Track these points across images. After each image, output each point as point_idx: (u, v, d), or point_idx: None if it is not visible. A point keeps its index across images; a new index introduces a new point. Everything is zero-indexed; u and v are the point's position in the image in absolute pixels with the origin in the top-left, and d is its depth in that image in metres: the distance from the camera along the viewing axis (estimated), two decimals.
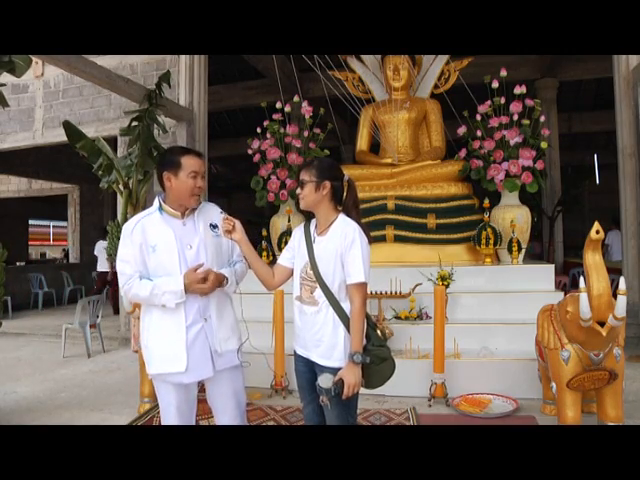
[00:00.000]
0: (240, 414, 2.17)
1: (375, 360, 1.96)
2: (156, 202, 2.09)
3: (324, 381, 1.91)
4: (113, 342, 6.34)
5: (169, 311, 1.98)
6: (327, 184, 1.99)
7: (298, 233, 2.13)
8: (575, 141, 12.86)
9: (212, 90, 7.79)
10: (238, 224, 2.01)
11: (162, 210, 2.05)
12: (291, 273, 2.13)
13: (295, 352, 2.13)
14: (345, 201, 2.05)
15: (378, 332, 2.06)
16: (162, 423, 2.10)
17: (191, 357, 1.97)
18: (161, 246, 1.99)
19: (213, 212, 2.13)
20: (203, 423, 3.35)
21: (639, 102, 5.19)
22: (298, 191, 2.03)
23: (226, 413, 2.13)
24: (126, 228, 2.02)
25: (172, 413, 2.05)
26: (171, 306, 1.95)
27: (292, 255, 2.12)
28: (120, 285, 2.02)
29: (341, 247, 1.93)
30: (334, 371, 1.92)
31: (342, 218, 2.01)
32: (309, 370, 2.06)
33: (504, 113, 5.11)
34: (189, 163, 2.00)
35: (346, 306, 1.96)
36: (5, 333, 6.85)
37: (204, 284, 1.94)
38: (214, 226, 2.09)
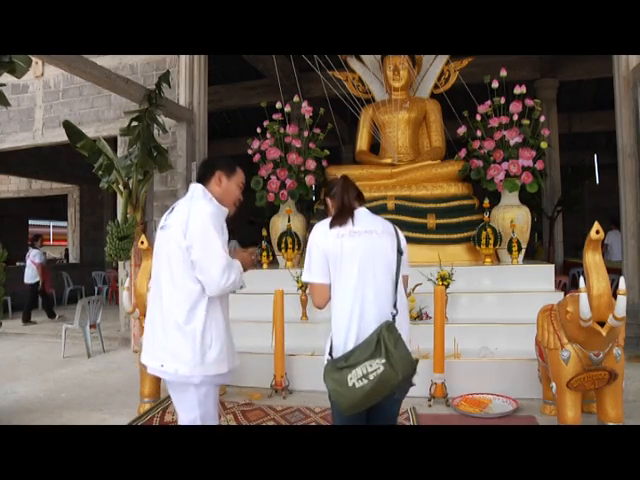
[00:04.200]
0: None
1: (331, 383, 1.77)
2: (204, 190, 2.03)
3: None
4: (113, 342, 6.34)
5: (225, 306, 2.00)
6: (327, 200, 2.10)
7: None
8: (575, 141, 12.85)
9: (212, 90, 7.79)
10: None
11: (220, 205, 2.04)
12: None
13: None
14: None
15: (368, 360, 1.73)
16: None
17: None
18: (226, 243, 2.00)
19: None
20: None
21: (639, 102, 5.19)
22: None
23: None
24: (218, 217, 1.93)
25: (215, 417, 2.01)
26: (245, 286, 2.01)
27: None
28: (226, 276, 1.87)
29: None
30: None
31: None
32: None
33: (504, 113, 5.11)
34: (241, 175, 2.10)
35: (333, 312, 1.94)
36: (5, 333, 6.86)
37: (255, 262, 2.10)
38: None
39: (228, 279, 1.88)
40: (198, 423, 1.94)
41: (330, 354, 1.87)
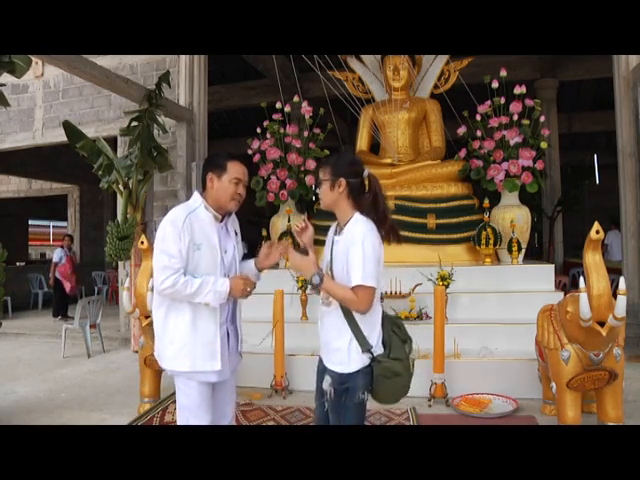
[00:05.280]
0: (234, 413, 2.25)
1: (386, 373, 1.85)
2: (198, 197, 2.06)
3: (325, 383, 1.93)
4: (113, 342, 6.34)
5: (205, 310, 1.98)
6: (342, 182, 1.88)
7: (329, 233, 2.08)
8: (575, 141, 12.85)
9: (212, 90, 7.79)
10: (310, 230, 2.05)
11: (207, 208, 2.04)
12: None
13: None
14: (364, 198, 1.90)
15: (406, 347, 1.93)
16: (188, 423, 2.00)
17: (222, 357, 2.02)
18: (206, 246, 1.99)
19: (236, 220, 2.21)
20: None
21: (639, 102, 5.19)
22: (318, 190, 2.02)
23: (229, 412, 2.18)
24: (175, 222, 1.94)
25: (204, 410, 2.01)
26: (214, 305, 1.97)
27: None
28: (162, 279, 1.91)
29: (347, 248, 1.84)
30: (333, 374, 1.90)
31: (355, 217, 1.89)
32: (324, 370, 2.00)
33: (504, 113, 5.12)
34: (234, 169, 2.04)
35: (373, 314, 1.89)
36: (5, 333, 6.85)
37: (246, 293, 2.04)
38: (236, 233, 2.18)
39: (163, 282, 1.91)
40: (184, 414, 2.01)
41: (369, 351, 1.85)
